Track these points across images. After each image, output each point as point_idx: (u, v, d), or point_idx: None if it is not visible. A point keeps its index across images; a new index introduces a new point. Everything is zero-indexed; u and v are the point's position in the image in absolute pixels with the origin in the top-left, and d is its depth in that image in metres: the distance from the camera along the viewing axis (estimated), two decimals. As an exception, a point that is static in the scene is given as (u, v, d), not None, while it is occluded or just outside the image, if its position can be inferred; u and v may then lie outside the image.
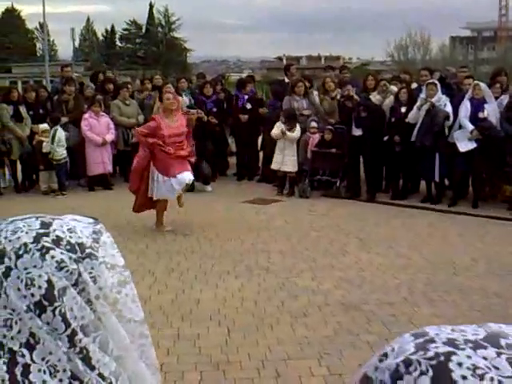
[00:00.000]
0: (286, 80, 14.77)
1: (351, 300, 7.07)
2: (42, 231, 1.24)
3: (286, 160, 12.89)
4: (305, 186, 12.84)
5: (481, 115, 11.48)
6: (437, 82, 12.03)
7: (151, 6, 75.73)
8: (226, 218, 11.06)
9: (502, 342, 1.12)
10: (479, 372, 1.07)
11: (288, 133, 12.81)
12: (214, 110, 14.33)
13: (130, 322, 1.31)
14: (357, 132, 12.56)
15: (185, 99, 14.03)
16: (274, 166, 13.04)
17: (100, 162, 13.74)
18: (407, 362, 1.10)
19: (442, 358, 1.08)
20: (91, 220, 1.34)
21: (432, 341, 1.11)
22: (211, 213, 11.44)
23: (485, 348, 1.09)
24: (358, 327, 6.31)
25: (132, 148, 14.21)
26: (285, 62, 75.67)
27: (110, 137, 13.89)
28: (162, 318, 6.54)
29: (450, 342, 1.10)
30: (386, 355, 1.16)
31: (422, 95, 11.82)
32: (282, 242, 9.47)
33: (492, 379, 1.07)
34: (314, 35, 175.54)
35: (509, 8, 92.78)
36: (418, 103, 11.76)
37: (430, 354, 1.09)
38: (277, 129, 12.93)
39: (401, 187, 12.70)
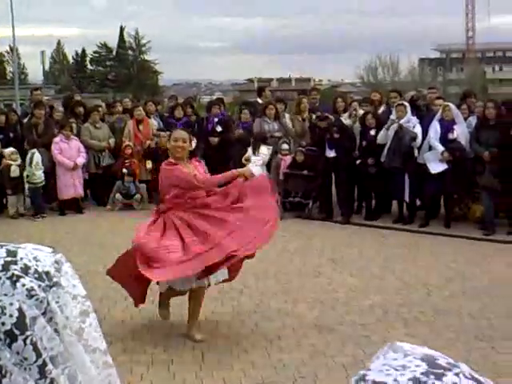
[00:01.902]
0: (260, 101, 14.82)
1: (325, 322, 7.06)
2: (9, 259, 1.21)
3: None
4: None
5: (450, 136, 11.57)
6: (406, 103, 12.12)
7: (122, 29, 75.83)
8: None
9: (438, 361, 1.15)
10: None
11: (253, 158, 12.81)
12: (186, 132, 14.27)
13: (95, 351, 1.29)
14: (330, 153, 12.58)
15: (153, 122, 14.02)
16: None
17: (71, 185, 13.63)
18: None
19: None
20: (50, 249, 1.31)
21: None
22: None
23: (444, 373, 1.12)
24: (332, 349, 6.30)
25: (103, 171, 14.16)
26: (256, 84, 76.01)
27: (81, 160, 13.79)
28: (136, 343, 6.47)
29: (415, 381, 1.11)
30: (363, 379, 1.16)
31: (392, 116, 11.91)
32: (255, 265, 9.40)
33: None
34: (285, 57, 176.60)
35: (476, 30, 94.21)
36: (386, 124, 11.85)
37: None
38: (247, 156, 12.95)
39: (373, 208, 12.76)
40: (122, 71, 73.89)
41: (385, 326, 6.98)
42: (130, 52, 75.55)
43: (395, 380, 1.12)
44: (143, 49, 75.43)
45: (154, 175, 13.13)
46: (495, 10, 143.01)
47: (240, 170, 7.15)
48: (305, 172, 12.89)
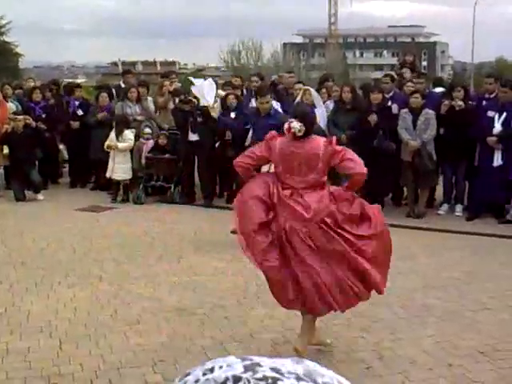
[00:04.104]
0: (123, 85, 14.64)
1: (186, 305, 7.09)
2: None
3: (116, 168, 12.76)
4: (139, 193, 12.75)
5: (310, 120, 11.82)
6: (312, 89, 12.33)
7: (-22, 9, 72.87)
8: (59, 226, 10.79)
9: (319, 379, 1.18)
10: None
11: (119, 145, 12.69)
12: (43, 116, 13.95)
13: None
14: (193, 137, 12.59)
15: (11, 105, 13.60)
16: (107, 174, 12.89)
17: None
18: (236, 378, 1.13)
19: (270, 381, 1.12)
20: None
21: (259, 365, 1.15)
22: (43, 222, 11.14)
23: (306, 381, 1.15)
24: (192, 332, 6.33)
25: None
26: (120, 67, 74.88)
27: None
28: (-11, 332, 6.30)
29: (276, 370, 1.15)
30: (211, 370, 1.18)
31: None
32: (116, 250, 9.36)
33: None
34: (150, 40, 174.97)
35: (338, 17, 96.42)
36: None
37: (259, 375, 1.13)
38: (109, 141, 12.79)
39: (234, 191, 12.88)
40: (-21, 53, 71.03)
41: (244, 307, 7.08)
42: (-13, 33, 72.66)
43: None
44: (2, 30, 72.72)
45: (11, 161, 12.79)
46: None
47: None
48: (167, 156, 12.86)
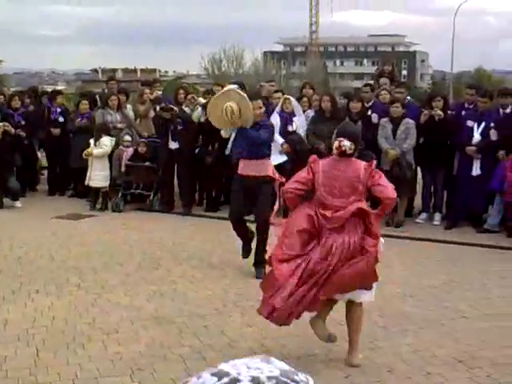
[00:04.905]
0: (106, 92, 14.63)
1: (164, 313, 7.07)
2: None
3: (93, 175, 12.72)
4: (118, 200, 12.70)
5: (290, 128, 11.88)
6: (292, 97, 12.40)
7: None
8: (36, 234, 10.73)
9: (296, 377, 1.18)
10: None
11: (95, 151, 12.66)
12: (23, 122, 13.88)
13: None
14: (173, 145, 12.58)
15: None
16: (86, 182, 12.84)
17: None
18: None
19: None
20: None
21: (238, 380, 1.13)
22: (21, 229, 11.06)
23: (288, 383, 1.14)
24: (170, 340, 6.32)
25: None
26: (100, 74, 74.62)
27: None
28: (-34, 341, 6.25)
29: (256, 381, 1.13)
30: None
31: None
32: (95, 258, 9.31)
33: None
34: (131, 48, 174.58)
35: (319, 25, 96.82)
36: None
37: None
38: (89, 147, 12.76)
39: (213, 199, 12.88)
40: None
41: (223, 315, 7.07)
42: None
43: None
44: (-19, 36, 72.41)
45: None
46: (338, 6, 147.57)
47: None
48: (147, 163, 12.83)
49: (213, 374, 1.16)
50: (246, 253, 8.78)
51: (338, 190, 5.79)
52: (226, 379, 1.15)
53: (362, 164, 5.83)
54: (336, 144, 5.79)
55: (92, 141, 12.82)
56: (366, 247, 5.68)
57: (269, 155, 8.73)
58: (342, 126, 6.24)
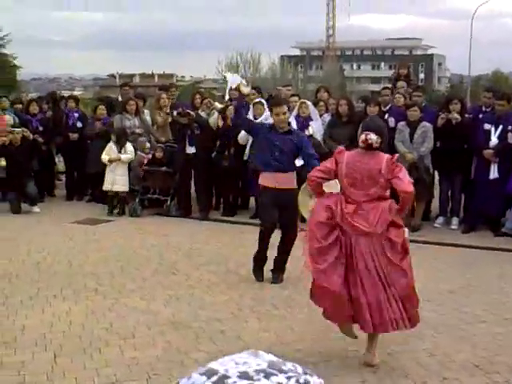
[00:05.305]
0: (120, 98, 14.68)
1: (181, 318, 7.08)
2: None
3: (117, 179, 12.77)
4: (135, 205, 12.75)
5: (306, 132, 11.84)
6: (263, 101, 12.29)
7: (-24, 21, 72.86)
8: (54, 239, 10.78)
9: (284, 367, 1.18)
10: None
11: (123, 157, 12.73)
12: (40, 128, 13.98)
13: None
14: (190, 150, 12.60)
15: (9, 118, 13.61)
16: (105, 187, 12.86)
17: None
18: None
19: None
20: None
21: (226, 377, 1.14)
22: (38, 235, 11.12)
23: (276, 375, 1.14)
24: (187, 345, 6.32)
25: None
26: (118, 79, 74.95)
27: None
28: (-17, 346, 6.28)
29: (244, 376, 1.13)
30: None
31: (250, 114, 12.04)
32: (112, 263, 9.35)
33: None
34: (148, 53, 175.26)
35: (336, 29, 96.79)
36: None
37: None
38: (109, 149, 12.80)
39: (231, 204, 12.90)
40: (-23, 65, 71.04)
41: (239, 320, 7.07)
42: (-15, 45, 72.69)
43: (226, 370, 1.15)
44: (1, 42, 72.75)
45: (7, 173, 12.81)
46: (355, 10, 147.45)
47: None
48: (164, 168, 12.87)
49: (202, 374, 1.17)
50: (261, 275, 8.57)
51: (360, 181, 5.86)
52: (214, 377, 1.16)
53: (385, 157, 5.89)
54: (362, 137, 5.91)
55: (108, 146, 12.85)
56: (392, 238, 5.75)
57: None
58: (368, 120, 6.35)
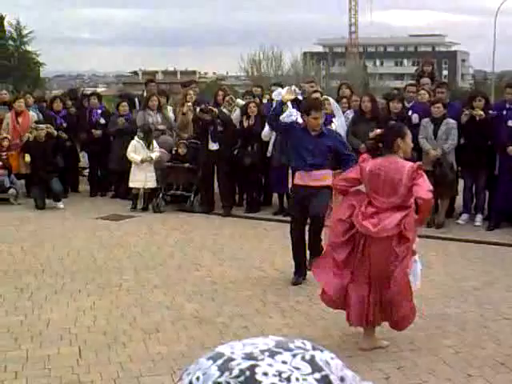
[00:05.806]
0: (145, 94, 14.73)
1: (204, 313, 7.11)
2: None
3: (148, 177, 12.83)
4: (159, 201, 12.80)
5: (329, 129, 11.83)
6: (331, 98, 12.31)
7: (2, 19, 73.35)
8: (78, 235, 10.85)
9: (291, 345, 1.19)
10: (285, 376, 1.12)
11: (153, 155, 12.78)
12: (64, 125, 14.07)
13: None
14: (213, 146, 12.62)
15: (33, 114, 13.71)
16: (136, 185, 12.90)
17: None
18: None
19: (248, 373, 1.12)
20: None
21: (231, 359, 1.15)
22: (63, 230, 11.20)
23: (280, 353, 1.15)
24: (211, 341, 6.33)
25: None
26: (141, 76, 75.22)
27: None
28: (10, 340, 6.34)
29: (248, 356, 1.14)
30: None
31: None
32: (136, 258, 9.40)
33: (297, 379, 1.13)
34: (171, 49, 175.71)
35: (358, 26, 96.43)
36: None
37: (235, 372, 1.13)
38: (135, 147, 12.83)
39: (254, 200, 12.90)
40: (1, 62, 71.54)
41: (262, 316, 7.09)
42: (10, 42, 73.15)
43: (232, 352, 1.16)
44: (24, 39, 73.20)
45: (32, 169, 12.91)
46: (377, 6, 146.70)
47: None
48: (186, 165, 12.90)
49: (208, 358, 1.17)
50: (299, 276, 8.29)
51: (382, 189, 5.92)
52: (220, 361, 1.17)
53: (407, 166, 5.88)
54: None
55: (132, 144, 12.87)
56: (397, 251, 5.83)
57: None
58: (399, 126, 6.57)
